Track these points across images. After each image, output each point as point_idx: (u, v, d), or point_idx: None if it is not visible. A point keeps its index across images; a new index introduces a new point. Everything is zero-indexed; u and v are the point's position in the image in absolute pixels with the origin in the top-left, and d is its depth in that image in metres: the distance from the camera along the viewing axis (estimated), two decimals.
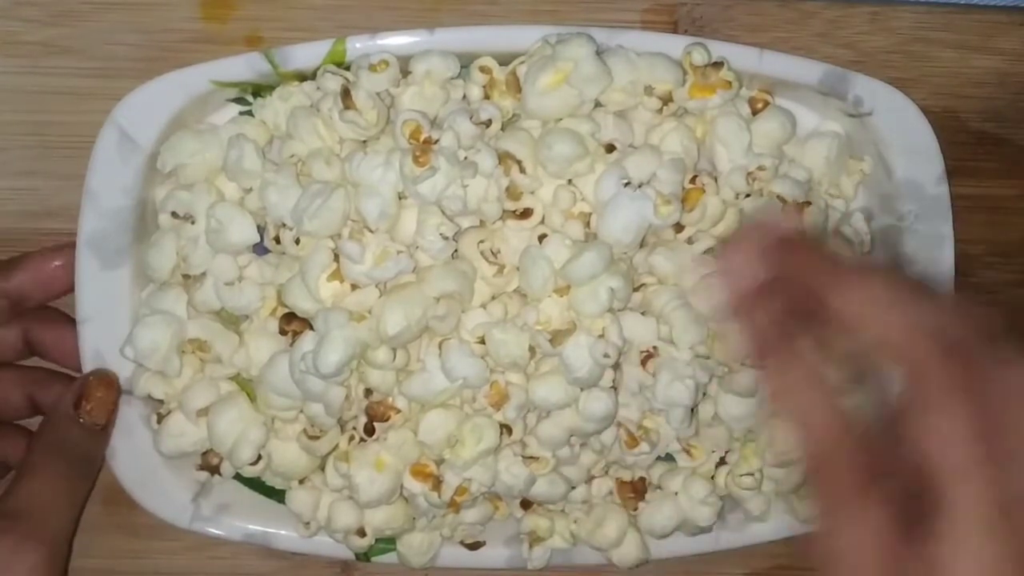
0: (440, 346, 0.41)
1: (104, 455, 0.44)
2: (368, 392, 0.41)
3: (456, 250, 0.41)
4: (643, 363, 0.42)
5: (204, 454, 0.44)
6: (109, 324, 0.43)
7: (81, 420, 0.42)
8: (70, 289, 0.44)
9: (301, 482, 0.44)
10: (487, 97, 0.41)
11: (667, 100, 0.41)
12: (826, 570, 0.28)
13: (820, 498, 0.29)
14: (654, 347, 0.41)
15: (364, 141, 0.41)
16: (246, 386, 0.43)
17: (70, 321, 0.44)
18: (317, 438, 0.42)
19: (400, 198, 0.40)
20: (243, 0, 0.44)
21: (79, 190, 0.42)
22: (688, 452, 0.45)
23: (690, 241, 0.42)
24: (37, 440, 0.42)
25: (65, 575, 0.41)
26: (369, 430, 0.41)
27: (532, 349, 0.40)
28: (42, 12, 0.44)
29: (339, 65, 0.41)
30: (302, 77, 0.42)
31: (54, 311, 0.45)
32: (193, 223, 0.41)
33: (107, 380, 0.43)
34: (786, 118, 0.43)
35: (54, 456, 0.41)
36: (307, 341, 0.40)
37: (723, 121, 0.41)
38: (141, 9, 0.44)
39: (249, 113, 0.43)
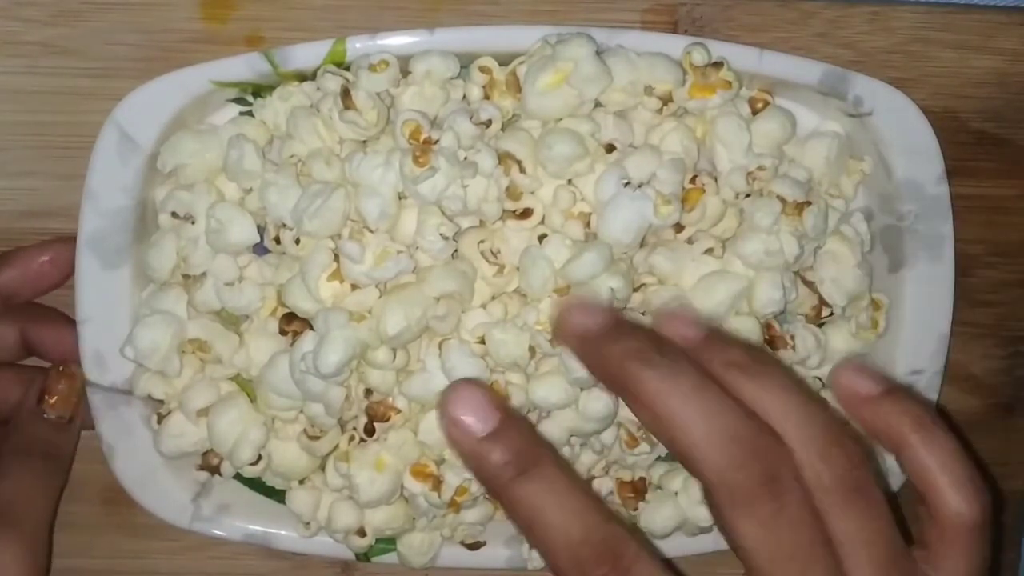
0: (440, 346, 0.41)
1: (73, 448, 0.44)
2: (368, 392, 0.41)
3: (456, 250, 0.41)
4: None
5: (204, 454, 0.44)
6: (109, 324, 0.43)
7: (45, 415, 0.42)
8: (59, 284, 0.44)
9: (301, 482, 0.44)
10: (487, 97, 0.41)
11: (667, 100, 0.41)
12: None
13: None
14: None
15: (364, 141, 0.41)
16: (246, 386, 0.43)
17: (69, 321, 0.44)
18: (317, 438, 0.42)
19: (400, 198, 0.40)
20: (243, 0, 0.44)
21: (79, 190, 0.42)
22: None
23: (690, 241, 0.42)
24: (6, 440, 0.42)
25: (47, 565, 0.41)
26: (369, 430, 0.41)
27: (532, 349, 0.40)
28: (42, 12, 0.44)
29: (339, 65, 0.41)
30: (302, 77, 0.42)
31: (52, 311, 0.45)
32: (193, 223, 0.41)
33: (68, 372, 0.43)
34: (786, 118, 0.42)
35: (22, 455, 0.42)
36: (307, 341, 0.40)
37: (723, 121, 0.41)
38: (141, 9, 0.44)
39: (249, 113, 0.43)
